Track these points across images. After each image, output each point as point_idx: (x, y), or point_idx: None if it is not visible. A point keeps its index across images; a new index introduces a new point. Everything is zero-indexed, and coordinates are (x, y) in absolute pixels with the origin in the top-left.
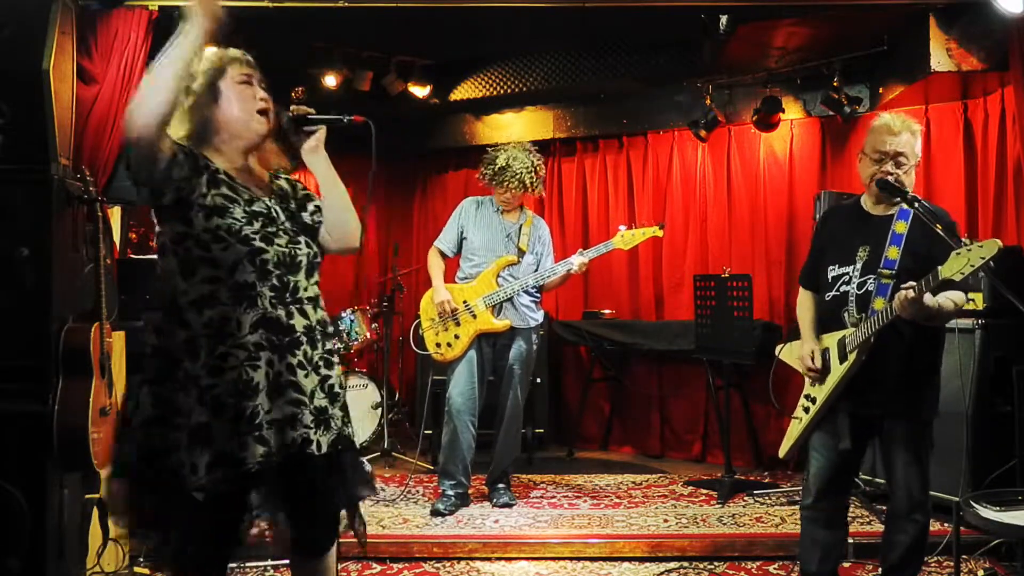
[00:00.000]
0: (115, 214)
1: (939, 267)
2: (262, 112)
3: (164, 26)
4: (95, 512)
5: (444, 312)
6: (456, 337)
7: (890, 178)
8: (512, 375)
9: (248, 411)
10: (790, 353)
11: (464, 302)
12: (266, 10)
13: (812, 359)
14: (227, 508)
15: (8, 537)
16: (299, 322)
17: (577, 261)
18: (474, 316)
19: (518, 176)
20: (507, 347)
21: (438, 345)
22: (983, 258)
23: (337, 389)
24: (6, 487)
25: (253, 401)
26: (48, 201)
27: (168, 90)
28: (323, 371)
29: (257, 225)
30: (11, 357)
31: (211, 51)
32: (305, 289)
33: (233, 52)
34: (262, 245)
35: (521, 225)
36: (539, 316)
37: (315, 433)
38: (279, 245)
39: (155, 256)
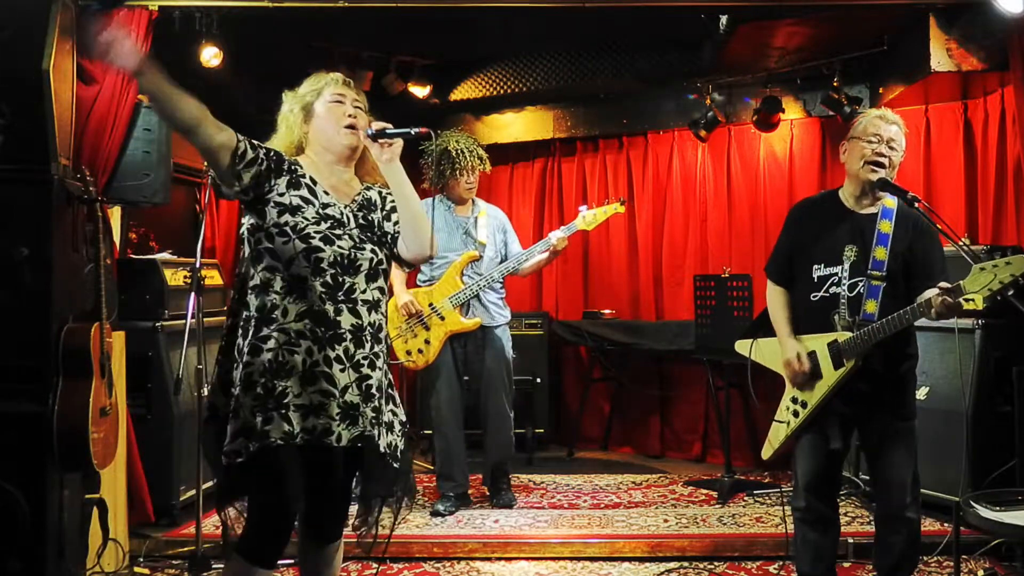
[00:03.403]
0: (115, 214)
1: (960, 282)
2: (349, 127)
3: (164, 26)
4: (95, 512)
5: (410, 312)
6: (426, 342)
7: (884, 160)
8: (491, 377)
9: (278, 390)
10: (760, 351)
11: (430, 305)
12: (266, 10)
13: (799, 361)
14: (261, 479)
15: (8, 537)
16: (347, 320)
17: (556, 236)
18: (442, 318)
19: (471, 151)
20: (481, 348)
21: (408, 352)
22: (1013, 275)
23: (374, 391)
24: (6, 487)
25: (284, 382)
26: (48, 201)
27: (172, 123)
28: (364, 370)
29: (324, 226)
30: (11, 357)
31: (314, 78)
32: (363, 291)
33: (333, 76)
34: (319, 244)
35: (476, 218)
36: (507, 313)
37: (338, 425)
38: (339, 247)
39: (156, 256)
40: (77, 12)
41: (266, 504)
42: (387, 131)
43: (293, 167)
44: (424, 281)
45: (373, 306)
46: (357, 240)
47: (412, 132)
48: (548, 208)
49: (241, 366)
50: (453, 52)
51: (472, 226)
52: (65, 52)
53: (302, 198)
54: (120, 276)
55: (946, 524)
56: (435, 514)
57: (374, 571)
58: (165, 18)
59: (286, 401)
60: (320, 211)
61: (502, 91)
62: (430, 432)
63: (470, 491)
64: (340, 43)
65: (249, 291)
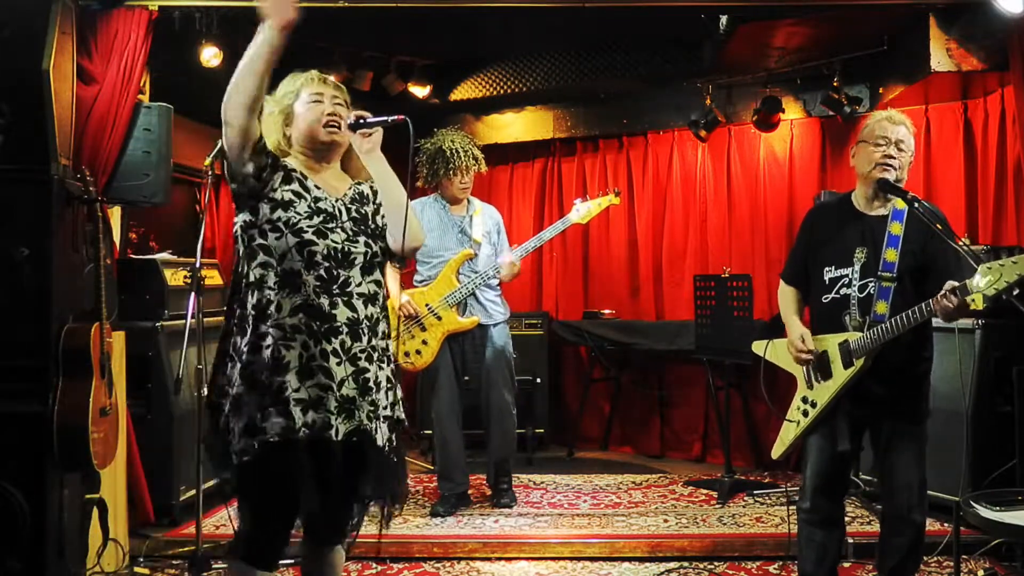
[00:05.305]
0: (115, 214)
1: (967, 281)
2: (331, 125)
3: (164, 26)
4: (95, 512)
5: (407, 314)
6: (424, 343)
7: (893, 162)
8: (492, 373)
9: (275, 386)
10: (775, 351)
11: (427, 305)
12: None
13: (803, 340)
14: (266, 477)
15: (8, 537)
16: (343, 313)
17: (507, 260)
18: (439, 318)
19: (466, 151)
20: (480, 347)
21: (406, 354)
22: (1020, 275)
23: (371, 384)
24: (6, 487)
25: (282, 377)
26: (48, 201)
27: (247, 87)
28: (361, 364)
29: (317, 220)
30: (11, 357)
31: (290, 79)
32: (358, 284)
33: (309, 75)
34: (312, 238)
35: (471, 216)
36: (505, 311)
37: (336, 419)
38: (333, 240)
39: (156, 256)
40: (77, 12)
41: (267, 505)
42: (365, 120)
43: (285, 163)
44: (420, 281)
45: (369, 299)
46: (350, 233)
47: (389, 120)
48: (548, 208)
49: (240, 365)
50: (453, 52)
51: (467, 224)
52: (65, 52)
53: (294, 193)
54: (120, 276)
55: (946, 524)
56: (435, 514)
57: (374, 571)
58: (165, 18)
59: (285, 396)
60: (312, 205)
61: (502, 91)
62: (430, 432)
63: (470, 491)
64: (340, 43)
65: (245, 289)
